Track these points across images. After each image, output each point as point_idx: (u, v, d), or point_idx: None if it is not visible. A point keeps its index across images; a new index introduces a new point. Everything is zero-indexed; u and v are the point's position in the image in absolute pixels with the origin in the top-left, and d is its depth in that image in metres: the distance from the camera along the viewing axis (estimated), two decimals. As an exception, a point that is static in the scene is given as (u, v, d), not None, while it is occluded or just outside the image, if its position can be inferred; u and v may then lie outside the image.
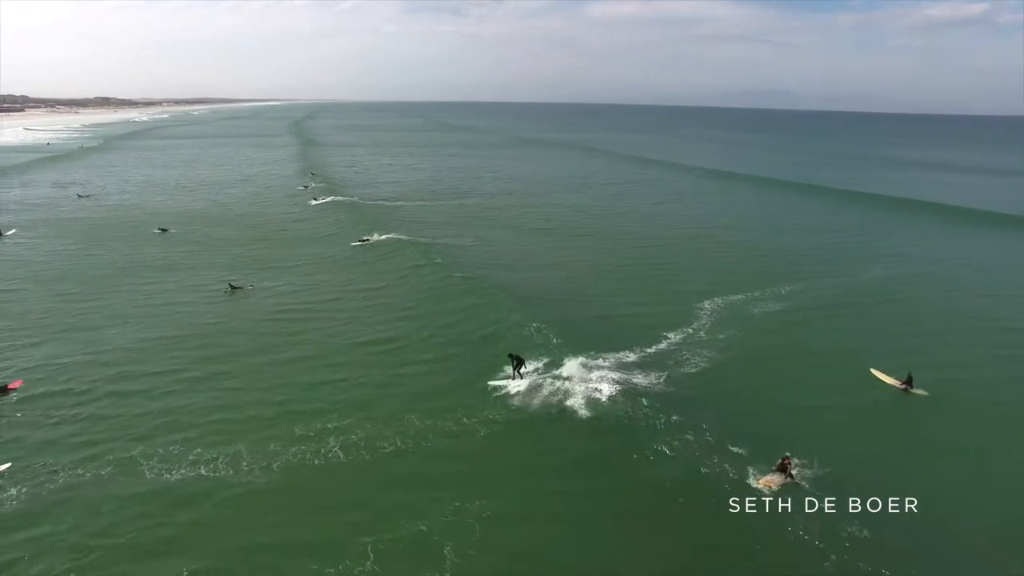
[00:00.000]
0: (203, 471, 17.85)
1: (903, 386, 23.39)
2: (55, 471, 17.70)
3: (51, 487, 17.06)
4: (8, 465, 17.58)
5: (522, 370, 23.15)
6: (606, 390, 21.94)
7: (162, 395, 22.53)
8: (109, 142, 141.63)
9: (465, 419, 20.57)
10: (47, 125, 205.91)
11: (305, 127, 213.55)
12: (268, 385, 23.50)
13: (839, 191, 75.61)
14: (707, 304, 32.58)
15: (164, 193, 70.69)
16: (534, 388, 22.42)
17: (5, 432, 19.93)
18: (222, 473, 17.79)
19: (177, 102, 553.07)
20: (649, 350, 26.19)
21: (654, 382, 23.16)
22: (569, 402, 21.51)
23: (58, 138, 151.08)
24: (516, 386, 22.65)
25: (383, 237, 46.71)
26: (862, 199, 70.05)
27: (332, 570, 13.98)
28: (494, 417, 20.75)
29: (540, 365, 24.04)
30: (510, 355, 23.65)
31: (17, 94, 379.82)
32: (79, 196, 66.93)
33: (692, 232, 52.54)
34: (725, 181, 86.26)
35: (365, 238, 46.58)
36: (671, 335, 28.03)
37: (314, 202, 64.44)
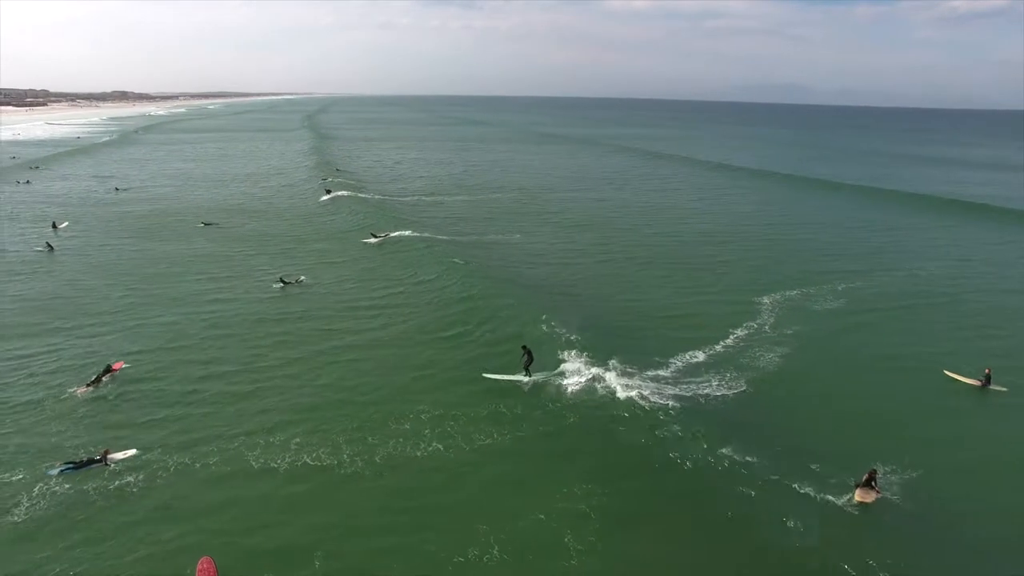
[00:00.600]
0: (308, 461, 18.29)
1: (981, 383, 23.44)
2: (166, 459, 18.21)
3: (165, 475, 17.56)
4: (134, 452, 18.16)
5: (531, 366, 22.76)
6: (660, 397, 21.44)
7: (250, 386, 23.03)
8: (135, 136, 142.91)
9: (532, 416, 20.87)
10: (70, 119, 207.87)
11: (319, 121, 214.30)
12: (348, 376, 23.95)
13: (872, 189, 75.02)
14: (764, 300, 32.71)
15: (198, 187, 71.35)
16: (582, 390, 22.17)
17: (116, 419, 20.57)
18: (327, 463, 18.21)
19: (193, 96, 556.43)
20: (703, 352, 25.88)
21: (712, 387, 22.80)
22: (617, 407, 21.12)
23: (86, 131, 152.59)
24: (524, 382, 22.34)
25: (406, 233, 46.85)
26: (896, 197, 69.39)
27: (461, 559, 14.36)
28: (546, 417, 20.75)
29: (583, 367, 23.60)
30: (523, 347, 23.19)
31: (38, 88, 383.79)
32: (117, 190, 67.91)
33: (735, 229, 52.48)
34: (757, 178, 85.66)
35: (382, 234, 46.54)
36: (724, 337, 27.70)
37: (331, 195, 64.30)
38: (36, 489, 16.73)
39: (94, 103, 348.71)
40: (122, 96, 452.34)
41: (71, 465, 17.38)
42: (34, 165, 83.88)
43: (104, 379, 22.61)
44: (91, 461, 17.55)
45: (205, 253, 42.55)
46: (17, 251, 42.06)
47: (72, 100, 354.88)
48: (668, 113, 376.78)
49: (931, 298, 34.62)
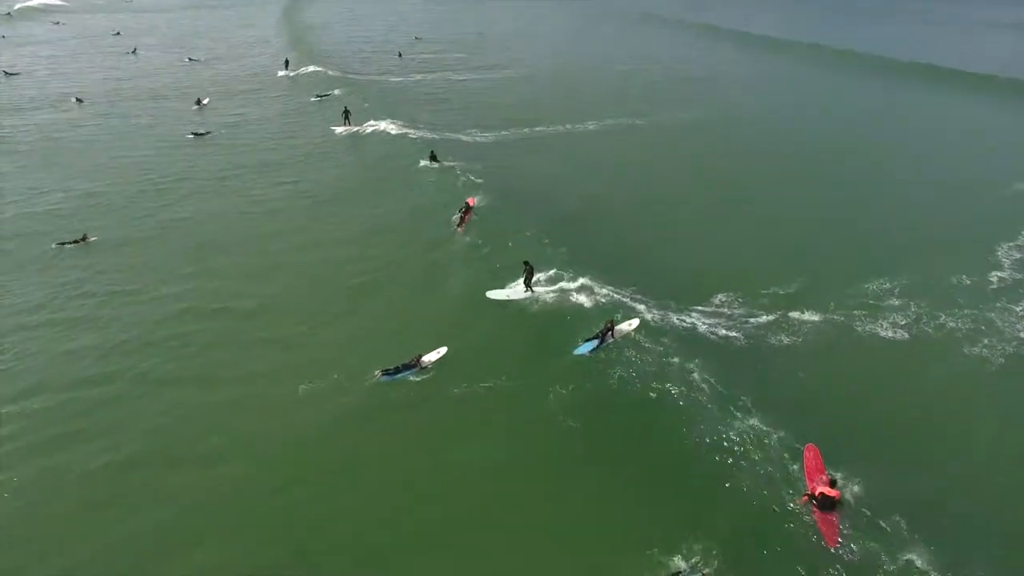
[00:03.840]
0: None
1: None
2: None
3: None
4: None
5: (532, 281, 21.56)
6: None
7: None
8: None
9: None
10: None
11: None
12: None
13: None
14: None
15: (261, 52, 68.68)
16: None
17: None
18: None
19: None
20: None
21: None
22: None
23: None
24: (519, 295, 21.45)
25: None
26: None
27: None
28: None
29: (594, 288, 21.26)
30: (525, 262, 21.81)
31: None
32: (190, 60, 65.51)
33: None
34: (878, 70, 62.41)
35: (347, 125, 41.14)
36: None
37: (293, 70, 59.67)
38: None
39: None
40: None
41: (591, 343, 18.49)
42: (114, 31, 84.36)
43: (466, 218, 25.99)
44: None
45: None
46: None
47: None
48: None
49: None
